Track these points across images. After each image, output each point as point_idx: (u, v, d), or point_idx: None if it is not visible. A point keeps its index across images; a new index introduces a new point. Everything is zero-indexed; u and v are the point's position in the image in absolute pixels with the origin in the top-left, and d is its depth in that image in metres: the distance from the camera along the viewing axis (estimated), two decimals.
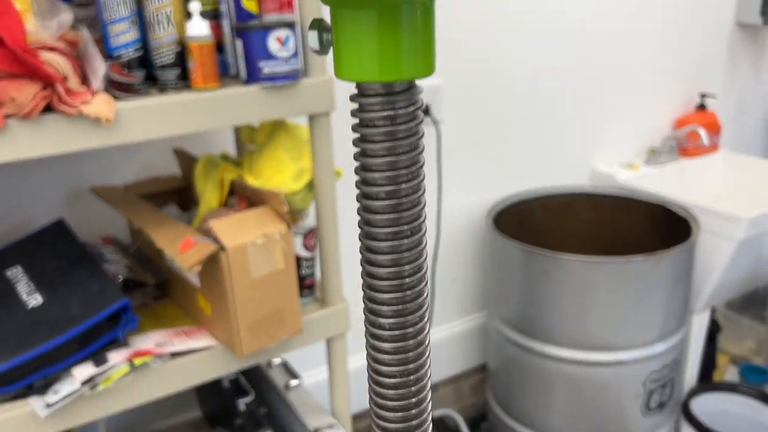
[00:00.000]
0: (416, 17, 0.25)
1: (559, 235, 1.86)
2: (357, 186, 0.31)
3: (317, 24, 0.26)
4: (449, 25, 1.61)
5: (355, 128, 0.29)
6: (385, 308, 0.31)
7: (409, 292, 0.31)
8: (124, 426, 1.39)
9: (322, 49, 0.26)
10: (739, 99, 2.30)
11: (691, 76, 2.12)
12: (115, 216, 1.27)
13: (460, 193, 1.79)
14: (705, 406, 1.80)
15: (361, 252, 0.32)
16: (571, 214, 1.87)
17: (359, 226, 0.32)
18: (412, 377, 0.33)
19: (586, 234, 1.87)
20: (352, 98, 0.28)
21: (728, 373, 2.21)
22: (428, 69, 0.27)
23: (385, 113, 0.27)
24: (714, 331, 2.05)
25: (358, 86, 0.28)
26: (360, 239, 0.32)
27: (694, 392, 1.81)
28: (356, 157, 0.29)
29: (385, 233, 0.29)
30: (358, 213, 0.32)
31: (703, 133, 1.89)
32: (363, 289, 0.32)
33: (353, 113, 0.28)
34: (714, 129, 2.05)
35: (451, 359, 1.94)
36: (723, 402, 1.82)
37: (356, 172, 0.30)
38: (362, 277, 0.32)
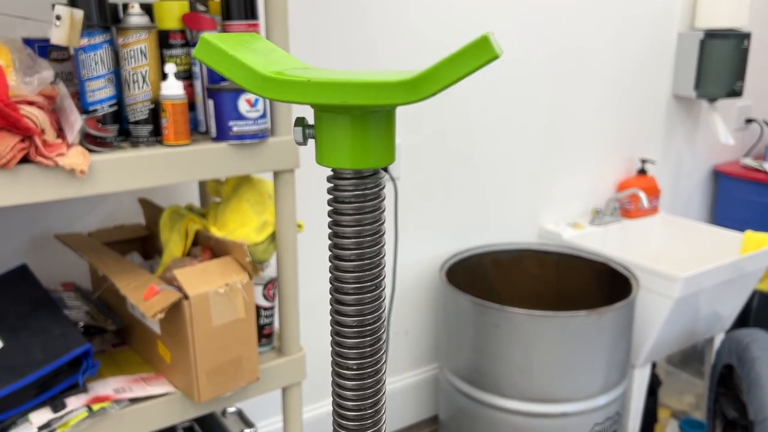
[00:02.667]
0: (381, 121, 0.32)
1: (509, 289, 1.94)
2: (330, 249, 0.37)
3: (301, 122, 0.32)
4: None
5: (330, 203, 0.35)
6: (350, 351, 0.37)
7: (368, 338, 0.37)
8: None
9: (304, 141, 0.33)
10: (677, 165, 2.46)
11: (632, 142, 2.27)
12: (75, 262, 1.29)
13: (416, 246, 1.86)
14: None
15: (330, 303, 0.38)
16: (520, 269, 1.95)
17: (330, 282, 0.38)
18: (369, 411, 0.39)
19: (533, 288, 1.95)
20: (329, 179, 0.35)
21: (669, 427, 2.29)
22: (390, 159, 0.34)
23: (356, 192, 0.34)
24: (655, 385, 2.14)
25: (334, 170, 0.34)
26: (330, 293, 0.38)
27: None
28: (330, 226, 0.35)
29: (353, 288, 0.35)
30: (330, 271, 0.37)
31: (643, 196, 2.02)
32: (331, 335, 0.38)
33: (329, 191, 0.35)
34: (653, 192, 2.19)
35: (404, 410, 1.97)
36: None
37: (329, 238, 0.36)
38: (331, 325, 0.38)
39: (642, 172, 2.22)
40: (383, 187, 0.35)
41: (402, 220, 1.79)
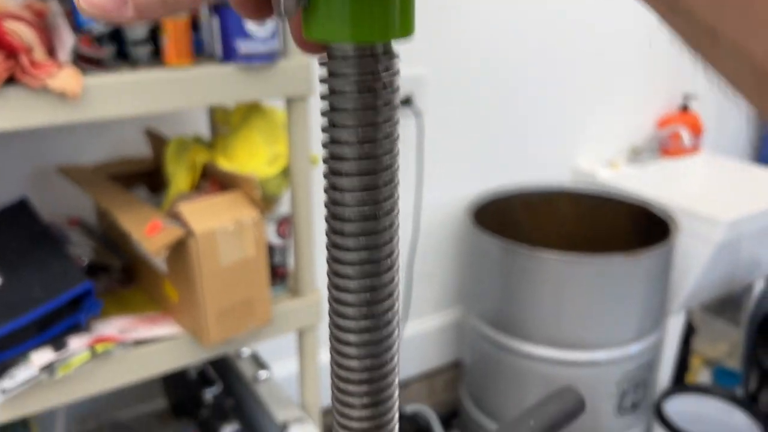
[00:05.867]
0: None
1: (539, 232, 1.85)
2: (324, 161, 0.28)
3: None
4: (436, 14, 1.58)
5: (323, 96, 0.26)
6: (351, 296, 0.29)
7: (378, 279, 0.28)
8: (86, 415, 1.35)
9: (298, 5, 0.23)
10: (722, 101, 2.30)
11: (674, 75, 2.12)
12: (82, 198, 1.23)
13: (440, 186, 1.77)
14: (678, 407, 1.80)
15: (327, 234, 0.29)
16: (551, 211, 1.86)
17: (325, 205, 0.29)
18: (378, 371, 0.31)
19: (565, 231, 1.86)
20: (321, 63, 0.25)
21: (701, 375, 2.22)
22: (407, 28, 0.24)
23: (360, 79, 0.24)
24: (689, 333, 2.06)
25: (329, 50, 0.25)
26: (326, 220, 0.29)
27: (667, 393, 1.81)
28: (323, 131, 0.26)
29: (355, 213, 0.27)
30: (325, 191, 0.29)
31: (685, 134, 1.89)
32: (327, 275, 0.29)
33: (321, 81, 0.25)
34: (696, 130, 2.05)
35: (425, 355, 1.92)
36: (695, 404, 1.83)
37: (323, 146, 0.27)
38: (327, 262, 0.29)
39: (684, 108, 2.08)
40: (397, 72, 0.26)
41: (427, 158, 1.69)
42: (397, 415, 0.35)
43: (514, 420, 0.42)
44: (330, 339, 0.33)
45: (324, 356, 1.34)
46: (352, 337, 0.31)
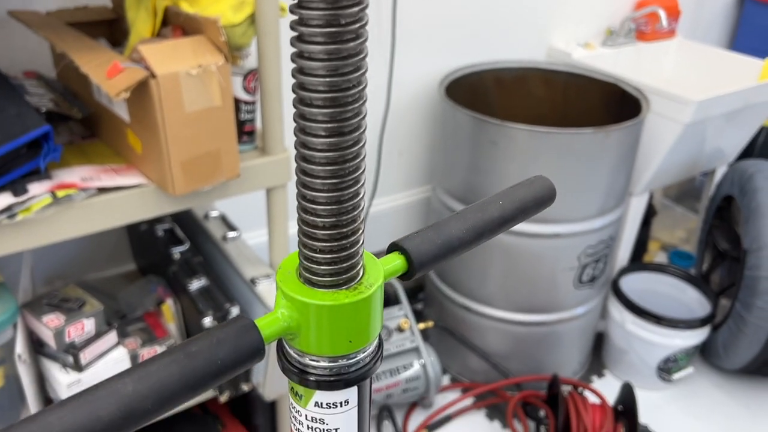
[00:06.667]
0: None
1: (510, 111, 1.83)
2: (290, 11, 0.27)
3: None
4: None
5: None
6: (318, 155, 0.29)
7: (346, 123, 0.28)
8: (53, 276, 1.35)
9: None
10: None
11: None
12: (37, 50, 1.17)
13: (413, 62, 1.73)
14: (634, 284, 1.87)
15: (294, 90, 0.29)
16: (524, 89, 1.84)
17: (291, 59, 0.28)
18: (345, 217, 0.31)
19: (537, 110, 1.85)
20: None
21: (657, 257, 2.31)
22: None
23: None
24: (649, 215, 2.11)
25: None
26: (293, 74, 0.29)
27: (624, 271, 1.88)
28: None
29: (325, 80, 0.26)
30: (291, 43, 0.28)
31: (662, 14, 1.85)
32: (295, 133, 0.29)
33: None
34: (673, 13, 2.02)
35: (393, 231, 1.94)
36: (651, 281, 1.90)
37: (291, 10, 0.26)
38: (294, 119, 0.29)
39: None
40: None
41: (399, 32, 1.64)
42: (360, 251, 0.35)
43: (484, 201, 0.42)
44: (297, 197, 0.32)
45: (292, 229, 1.35)
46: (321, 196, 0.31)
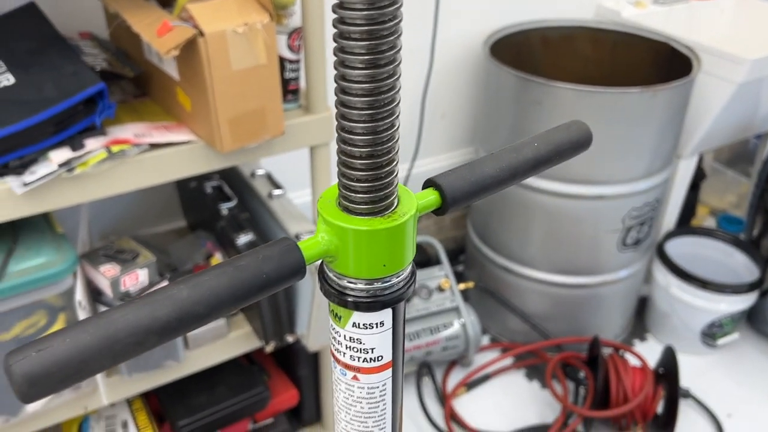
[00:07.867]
0: None
1: (556, 71, 1.81)
2: None
3: None
4: None
5: None
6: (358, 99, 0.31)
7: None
8: (107, 231, 1.41)
9: None
10: None
11: None
12: (93, 12, 1.20)
13: (457, 22, 1.72)
14: (680, 248, 1.85)
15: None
16: (571, 49, 1.81)
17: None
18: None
19: (584, 72, 1.82)
20: None
21: (706, 222, 2.26)
22: None
23: None
24: (698, 179, 2.07)
25: None
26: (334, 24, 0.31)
27: (670, 235, 1.85)
28: None
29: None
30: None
31: None
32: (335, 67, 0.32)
33: None
34: None
35: None
36: (698, 245, 1.87)
37: None
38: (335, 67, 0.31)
39: None
40: None
41: None
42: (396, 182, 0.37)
43: (520, 142, 0.43)
44: (336, 129, 0.35)
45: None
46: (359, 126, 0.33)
